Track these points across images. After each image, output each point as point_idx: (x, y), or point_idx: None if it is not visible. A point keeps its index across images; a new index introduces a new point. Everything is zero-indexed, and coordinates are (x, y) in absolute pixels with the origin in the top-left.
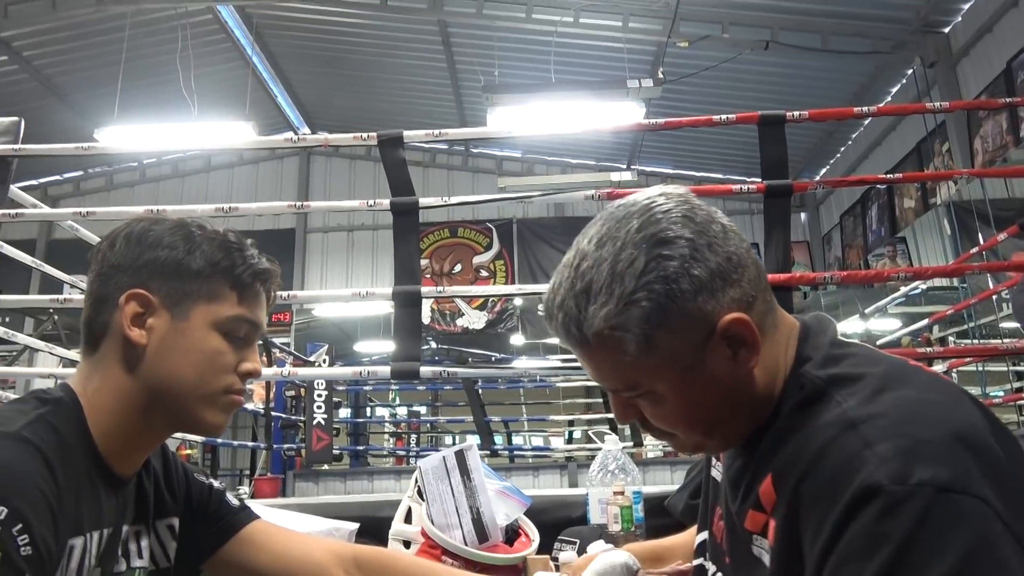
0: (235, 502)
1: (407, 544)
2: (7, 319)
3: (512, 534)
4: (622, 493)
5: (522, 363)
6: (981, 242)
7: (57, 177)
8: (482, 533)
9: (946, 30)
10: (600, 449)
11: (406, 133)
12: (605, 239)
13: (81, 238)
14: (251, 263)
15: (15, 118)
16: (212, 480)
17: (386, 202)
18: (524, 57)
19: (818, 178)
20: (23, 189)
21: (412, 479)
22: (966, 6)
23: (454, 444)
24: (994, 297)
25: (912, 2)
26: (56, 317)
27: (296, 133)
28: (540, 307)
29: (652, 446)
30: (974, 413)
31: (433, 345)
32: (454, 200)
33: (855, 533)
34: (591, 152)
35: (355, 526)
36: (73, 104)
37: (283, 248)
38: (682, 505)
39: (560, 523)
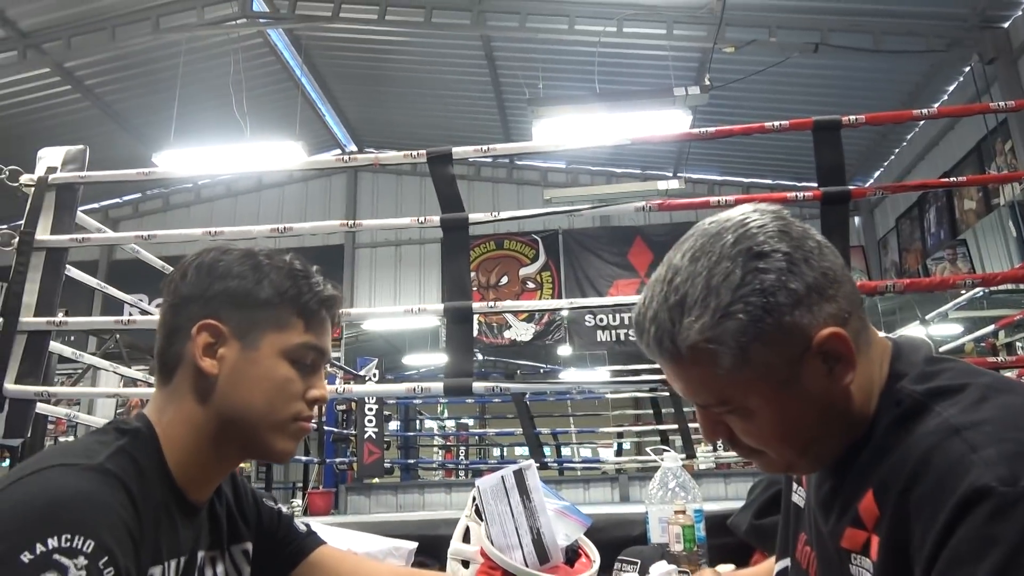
0: (303, 527)
1: (466, 564)
2: (72, 338)
3: (572, 555)
4: (683, 512)
5: (570, 375)
6: None
7: (117, 200)
8: (543, 554)
9: (1006, 24)
10: (652, 462)
11: (455, 150)
12: (699, 254)
13: (141, 259)
14: (316, 291)
15: (81, 147)
16: (280, 505)
17: (436, 219)
18: (568, 69)
19: (872, 181)
20: (85, 212)
21: (469, 496)
22: None
23: (502, 457)
24: None
25: None
26: (119, 337)
27: (343, 151)
28: (630, 319)
29: (704, 457)
30: None
31: (480, 357)
32: (504, 215)
33: (965, 535)
34: (636, 161)
35: (414, 545)
36: (132, 129)
37: (332, 263)
38: (746, 525)
39: (619, 542)
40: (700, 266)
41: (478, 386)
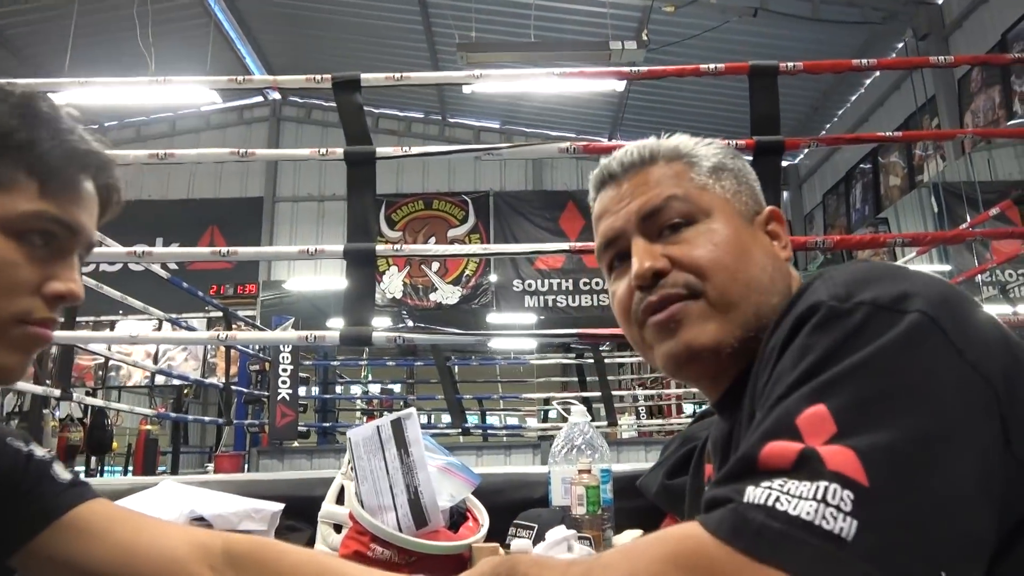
0: (65, 476)
1: (338, 528)
2: None
3: (460, 518)
4: (588, 471)
5: (498, 342)
6: (967, 221)
7: None
8: (420, 517)
9: (939, 1)
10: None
11: (363, 76)
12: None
13: None
14: (64, 140)
15: None
16: (35, 446)
17: (339, 151)
18: (503, 13)
19: (801, 157)
20: None
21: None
22: None
23: (428, 422)
24: (978, 278)
25: None
26: None
27: (266, 98)
28: (558, 285)
29: (628, 426)
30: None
31: (410, 324)
32: (415, 150)
33: (790, 350)
34: (572, 123)
35: (279, 507)
36: (24, 59)
37: (250, 216)
38: (656, 486)
39: (520, 505)
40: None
41: (379, 335)
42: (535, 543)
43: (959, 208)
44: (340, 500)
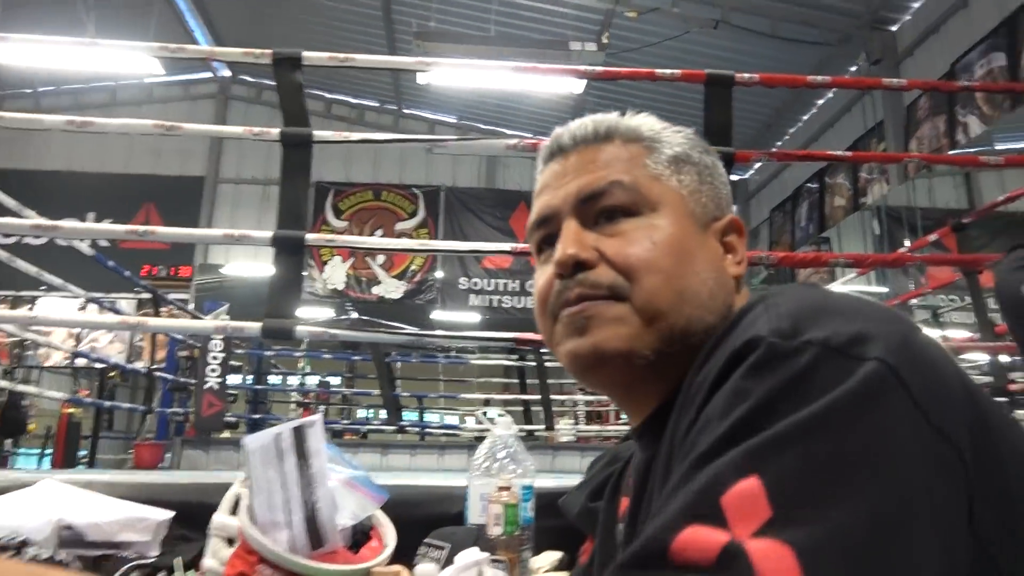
0: None
1: (231, 541)
2: None
3: (363, 537)
4: (508, 488)
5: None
6: (906, 246)
7: None
8: (317, 536)
9: (894, 28)
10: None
11: (305, 54)
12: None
13: None
14: None
15: None
16: None
17: (275, 132)
18: (464, 5)
19: (752, 172)
20: None
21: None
22: (916, 4)
23: (368, 418)
24: (912, 302)
25: None
26: None
27: (215, 75)
28: (504, 285)
29: (566, 430)
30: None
31: (355, 316)
32: (354, 136)
33: (722, 392)
34: (529, 123)
35: (168, 515)
36: None
37: (189, 196)
38: (579, 507)
39: (437, 520)
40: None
41: (302, 330)
42: (444, 565)
43: (899, 232)
44: (234, 511)
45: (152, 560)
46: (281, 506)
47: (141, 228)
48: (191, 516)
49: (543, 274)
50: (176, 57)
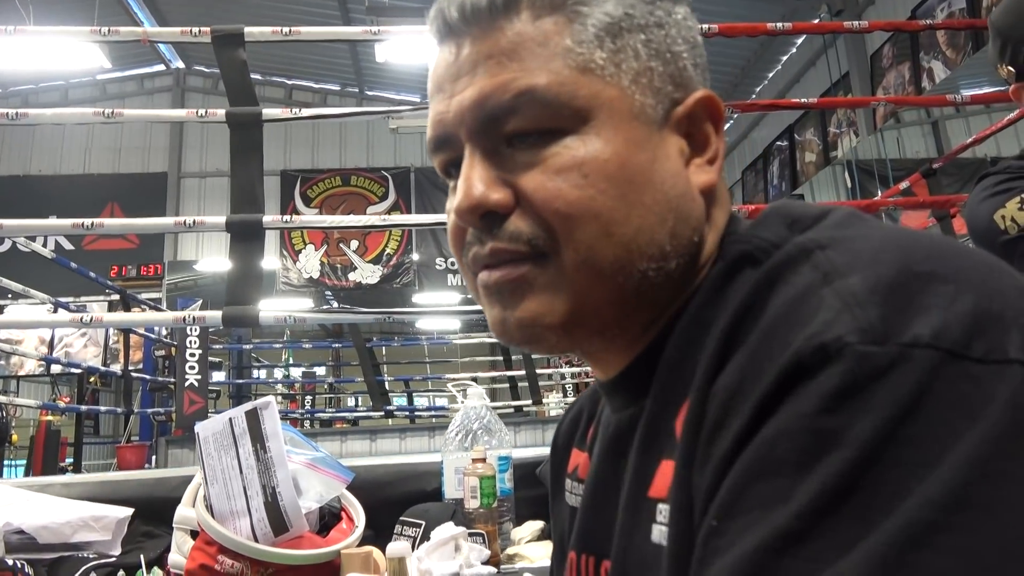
0: None
1: (195, 534)
2: None
3: (333, 519)
4: (483, 460)
5: (424, 322)
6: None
7: None
8: (279, 522)
9: None
10: (504, 408)
11: (247, 30)
12: None
13: None
14: None
15: None
16: None
17: (220, 112)
18: None
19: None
20: None
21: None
22: None
23: (356, 405)
24: None
25: None
26: None
27: (168, 66)
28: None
29: (555, 404)
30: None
31: (335, 304)
32: (305, 112)
33: (784, 426)
34: None
35: (126, 512)
36: None
37: (153, 193)
38: None
39: (412, 498)
40: None
41: (266, 316)
42: (420, 542)
43: (871, 184)
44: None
45: (114, 559)
46: (239, 494)
47: (88, 221)
48: (155, 512)
49: (452, 211)
50: (112, 41)
